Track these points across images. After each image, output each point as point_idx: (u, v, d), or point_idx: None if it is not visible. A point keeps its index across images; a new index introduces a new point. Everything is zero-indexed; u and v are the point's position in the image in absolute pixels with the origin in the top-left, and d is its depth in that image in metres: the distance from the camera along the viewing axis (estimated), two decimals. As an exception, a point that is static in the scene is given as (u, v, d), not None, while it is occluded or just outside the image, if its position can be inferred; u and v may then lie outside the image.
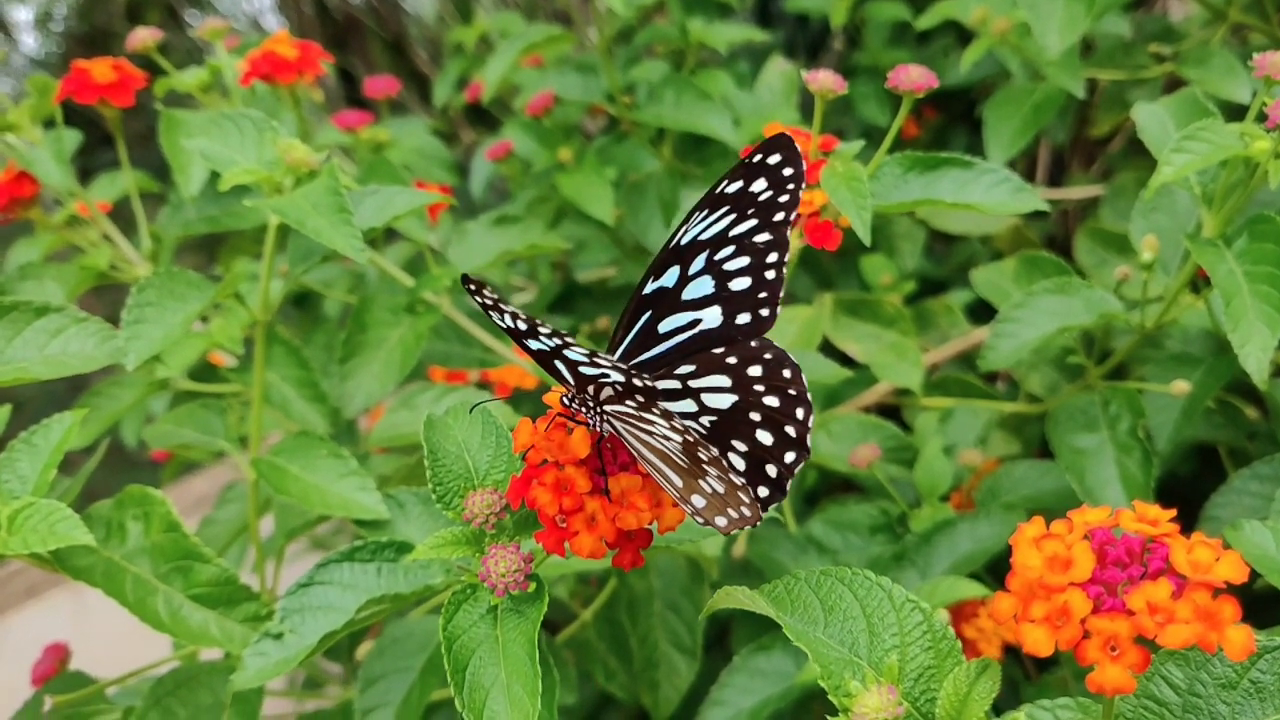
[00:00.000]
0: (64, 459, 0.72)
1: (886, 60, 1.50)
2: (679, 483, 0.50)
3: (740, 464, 0.53)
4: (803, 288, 1.42)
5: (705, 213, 0.56)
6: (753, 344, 0.55)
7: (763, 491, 0.53)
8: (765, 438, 0.53)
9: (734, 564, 1.05)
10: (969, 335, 1.19)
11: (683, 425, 0.48)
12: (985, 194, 0.78)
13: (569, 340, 0.49)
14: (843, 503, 1.08)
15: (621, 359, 0.57)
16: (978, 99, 1.57)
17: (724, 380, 0.54)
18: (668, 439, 0.49)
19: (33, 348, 0.75)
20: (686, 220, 0.56)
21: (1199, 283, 0.88)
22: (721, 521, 0.50)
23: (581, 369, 0.51)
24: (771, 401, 0.53)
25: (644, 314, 0.57)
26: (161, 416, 1.01)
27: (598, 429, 0.53)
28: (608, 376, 0.50)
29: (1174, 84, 1.20)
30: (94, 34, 3.36)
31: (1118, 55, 1.26)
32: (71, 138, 1.04)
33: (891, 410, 1.20)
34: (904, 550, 0.91)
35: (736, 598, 0.53)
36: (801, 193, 0.55)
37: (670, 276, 0.56)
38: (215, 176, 0.89)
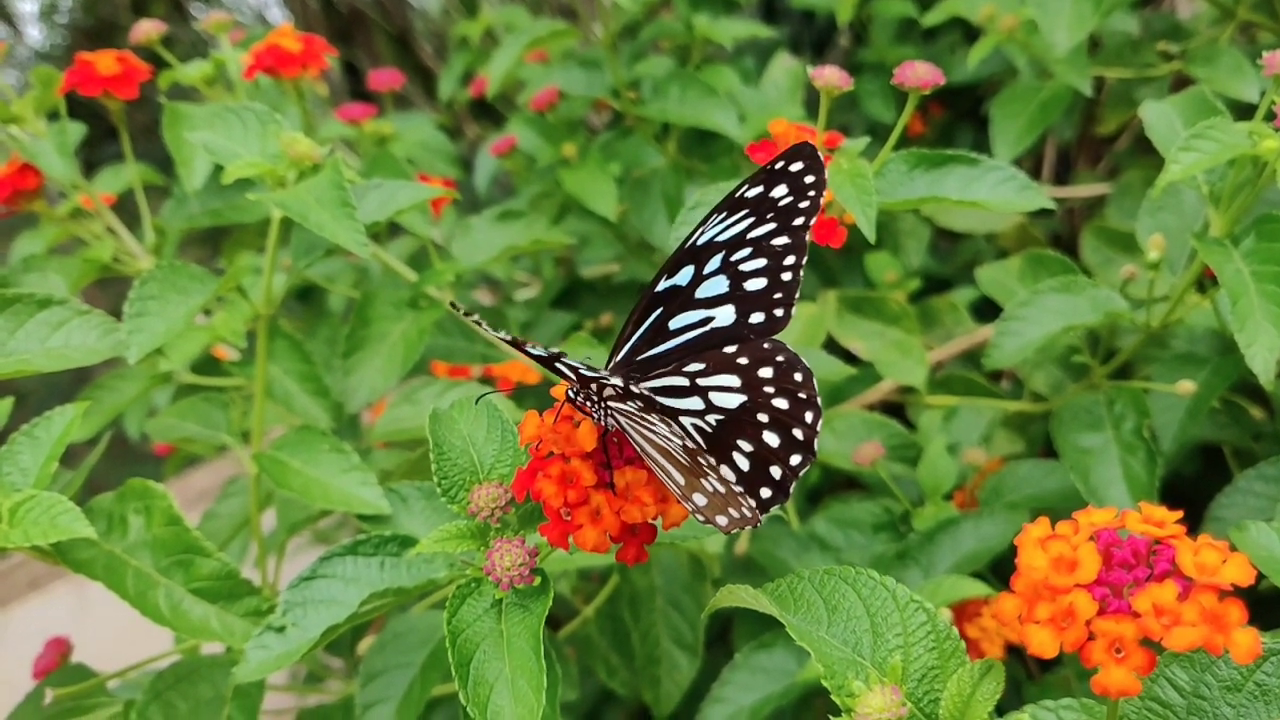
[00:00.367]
0: (66, 452, 0.72)
1: (892, 57, 1.49)
2: (681, 480, 0.50)
3: (744, 464, 0.53)
4: (807, 285, 1.42)
5: (723, 215, 0.56)
6: (765, 345, 0.55)
7: (765, 492, 0.53)
8: (772, 439, 0.53)
9: (736, 561, 1.05)
10: (973, 333, 1.19)
11: (682, 435, 0.48)
12: (991, 191, 0.77)
13: (560, 355, 0.50)
14: (846, 500, 1.07)
15: (629, 353, 0.58)
16: (984, 96, 1.57)
17: (733, 380, 0.55)
18: (669, 439, 0.49)
19: (35, 340, 0.75)
20: (704, 222, 0.57)
21: (1205, 282, 0.88)
22: (722, 520, 0.50)
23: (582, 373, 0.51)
24: (781, 404, 0.53)
25: (655, 310, 0.57)
26: (164, 410, 1.01)
27: (603, 423, 0.53)
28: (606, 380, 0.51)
29: (1181, 82, 1.19)
30: (99, 26, 3.36)
31: (1125, 53, 1.26)
32: (75, 130, 1.04)
33: (895, 408, 1.20)
34: (907, 549, 0.91)
35: (740, 596, 0.53)
36: (822, 201, 0.55)
37: (684, 275, 0.57)
38: (219, 170, 0.89)
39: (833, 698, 0.46)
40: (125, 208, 1.11)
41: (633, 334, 0.58)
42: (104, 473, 0.92)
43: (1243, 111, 0.85)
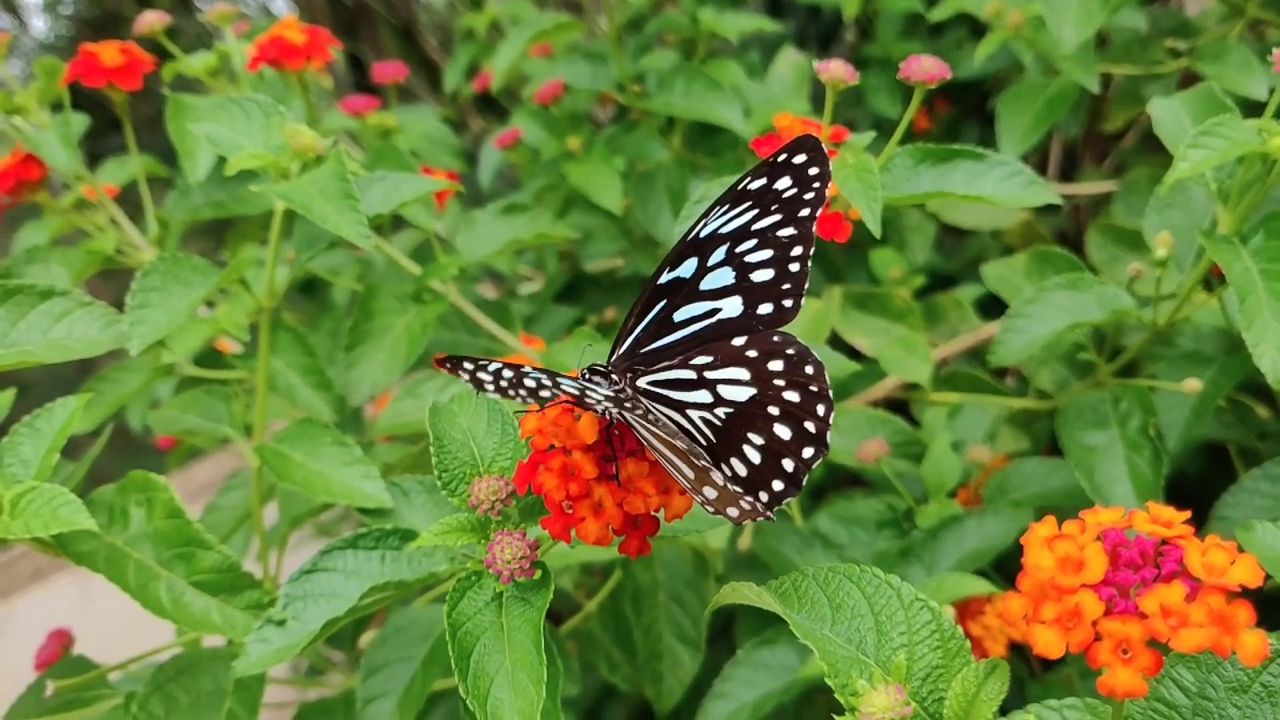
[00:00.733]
0: (69, 443, 0.72)
1: (898, 52, 1.49)
2: (691, 474, 0.50)
3: (755, 457, 0.53)
4: (812, 281, 1.40)
5: (726, 208, 0.56)
6: (774, 338, 0.55)
7: (777, 485, 0.53)
8: (784, 432, 0.53)
9: (739, 557, 1.05)
10: (978, 330, 1.18)
11: (686, 444, 0.48)
12: (998, 186, 0.77)
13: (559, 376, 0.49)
14: (849, 497, 1.07)
15: (632, 346, 0.57)
16: (990, 92, 1.56)
17: (743, 373, 0.54)
18: (676, 436, 0.49)
19: (37, 331, 0.74)
20: (706, 215, 0.57)
21: (1213, 280, 0.88)
22: (733, 512, 0.50)
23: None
24: (792, 397, 0.53)
25: (658, 303, 0.57)
26: (167, 402, 1.01)
27: (606, 415, 0.53)
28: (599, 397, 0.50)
29: (1189, 79, 1.19)
30: (103, 17, 3.36)
31: (1133, 50, 1.25)
32: (79, 121, 1.03)
33: (900, 405, 1.20)
34: (911, 546, 0.91)
35: (743, 594, 0.52)
36: (828, 191, 0.54)
37: (687, 268, 0.57)
38: (222, 161, 0.88)
39: (836, 696, 0.46)
40: (129, 199, 1.11)
41: (635, 327, 0.58)
42: (107, 465, 0.92)
43: (1251, 109, 0.84)
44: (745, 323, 0.56)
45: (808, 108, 1.33)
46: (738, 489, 0.50)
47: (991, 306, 1.21)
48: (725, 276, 0.56)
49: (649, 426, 0.50)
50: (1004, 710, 0.46)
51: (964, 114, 1.63)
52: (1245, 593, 0.39)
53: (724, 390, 0.54)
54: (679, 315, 0.57)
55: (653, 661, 0.99)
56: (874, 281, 1.32)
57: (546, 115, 1.34)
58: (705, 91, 1.20)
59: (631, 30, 1.42)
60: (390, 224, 1.19)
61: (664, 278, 0.57)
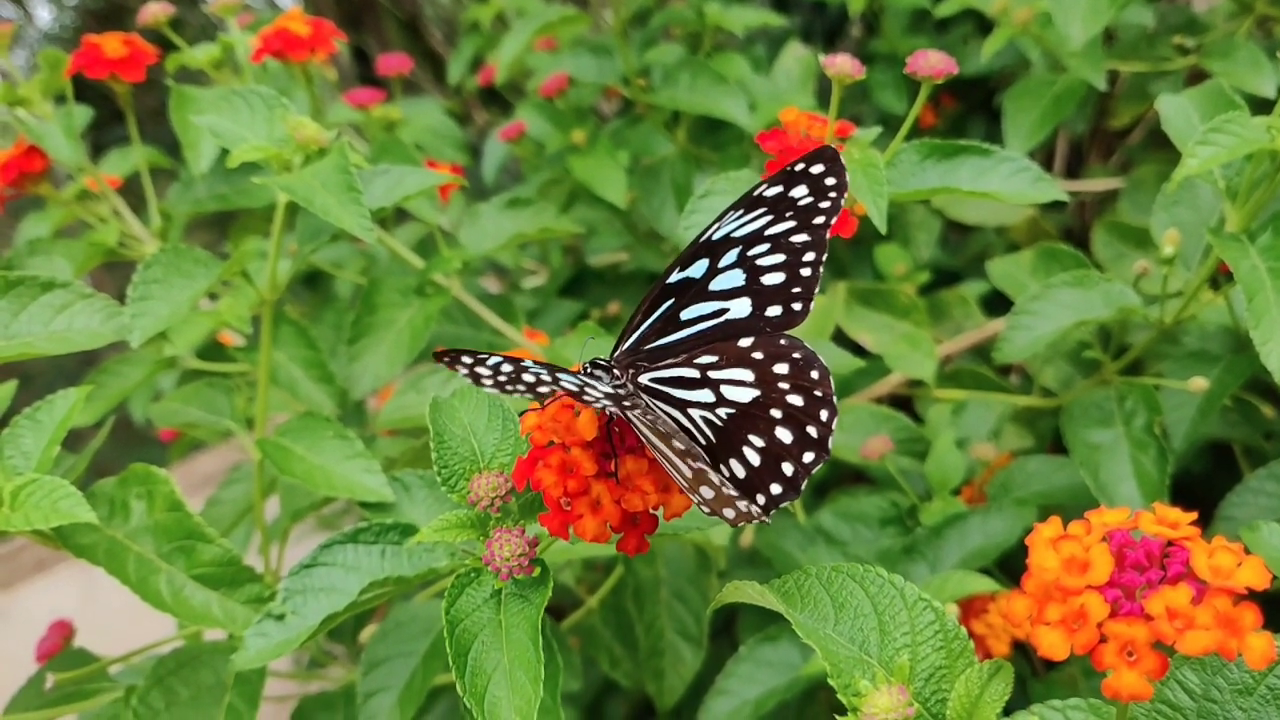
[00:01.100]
0: (71, 435, 0.72)
1: (905, 47, 1.48)
2: (688, 473, 0.50)
3: (755, 459, 0.53)
4: (816, 278, 1.41)
5: (740, 213, 0.56)
6: (781, 341, 0.55)
7: (776, 488, 0.53)
8: (785, 435, 0.53)
9: (741, 553, 1.05)
10: (983, 327, 1.18)
11: (685, 443, 0.48)
12: (1004, 183, 0.77)
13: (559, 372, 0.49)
14: (853, 494, 1.07)
15: (637, 341, 0.57)
16: (996, 88, 1.56)
17: (747, 374, 0.54)
18: (674, 435, 0.49)
19: (38, 323, 0.74)
20: (719, 219, 0.57)
21: (1220, 278, 0.87)
22: (729, 514, 0.50)
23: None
24: (795, 400, 0.53)
25: (666, 301, 0.57)
26: (168, 395, 1.01)
27: (605, 412, 0.53)
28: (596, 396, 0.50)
29: (1197, 76, 1.18)
30: (108, 8, 3.36)
31: (1140, 46, 1.25)
32: (82, 113, 1.03)
33: (904, 401, 1.19)
34: (914, 543, 0.90)
35: (746, 593, 0.52)
36: (843, 201, 0.55)
37: (698, 268, 0.57)
38: (225, 154, 0.88)
39: (839, 697, 0.45)
40: (132, 191, 1.11)
41: (641, 323, 0.58)
42: (110, 456, 0.91)
43: (1260, 106, 0.84)
44: (753, 324, 0.56)
45: (813, 103, 1.32)
46: (733, 492, 0.49)
47: (996, 303, 1.21)
48: (735, 278, 0.56)
49: (648, 424, 0.50)
50: (1008, 711, 0.46)
51: (970, 110, 1.63)
52: (1251, 594, 0.39)
53: (727, 390, 0.54)
54: (686, 314, 0.57)
55: (654, 658, 0.98)
56: (879, 277, 1.32)
57: (551, 109, 1.34)
58: (711, 86, 1.19)
59: (637, 24, 1.42)
60: (394, 217, 1.18)
61: (673, 277, 0.57)
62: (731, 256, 0.56)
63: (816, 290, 0.56)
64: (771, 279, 0.56)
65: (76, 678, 0.81)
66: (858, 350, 0.99)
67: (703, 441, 0.54)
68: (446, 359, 0.48)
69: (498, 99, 2.07)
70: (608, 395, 0.49)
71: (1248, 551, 0.39)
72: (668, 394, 0.56)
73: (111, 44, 0.97)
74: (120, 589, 0.72)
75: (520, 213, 1.07)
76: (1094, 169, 1.52)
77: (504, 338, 1.11)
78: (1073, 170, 1.58)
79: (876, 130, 0.77)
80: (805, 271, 0.55)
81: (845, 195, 0.55)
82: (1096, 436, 0.89)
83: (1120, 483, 0.86)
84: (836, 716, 0.45)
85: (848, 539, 0.97)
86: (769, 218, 0.56)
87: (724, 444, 0.54)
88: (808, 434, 0.52)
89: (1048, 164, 1.58)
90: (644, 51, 1.31)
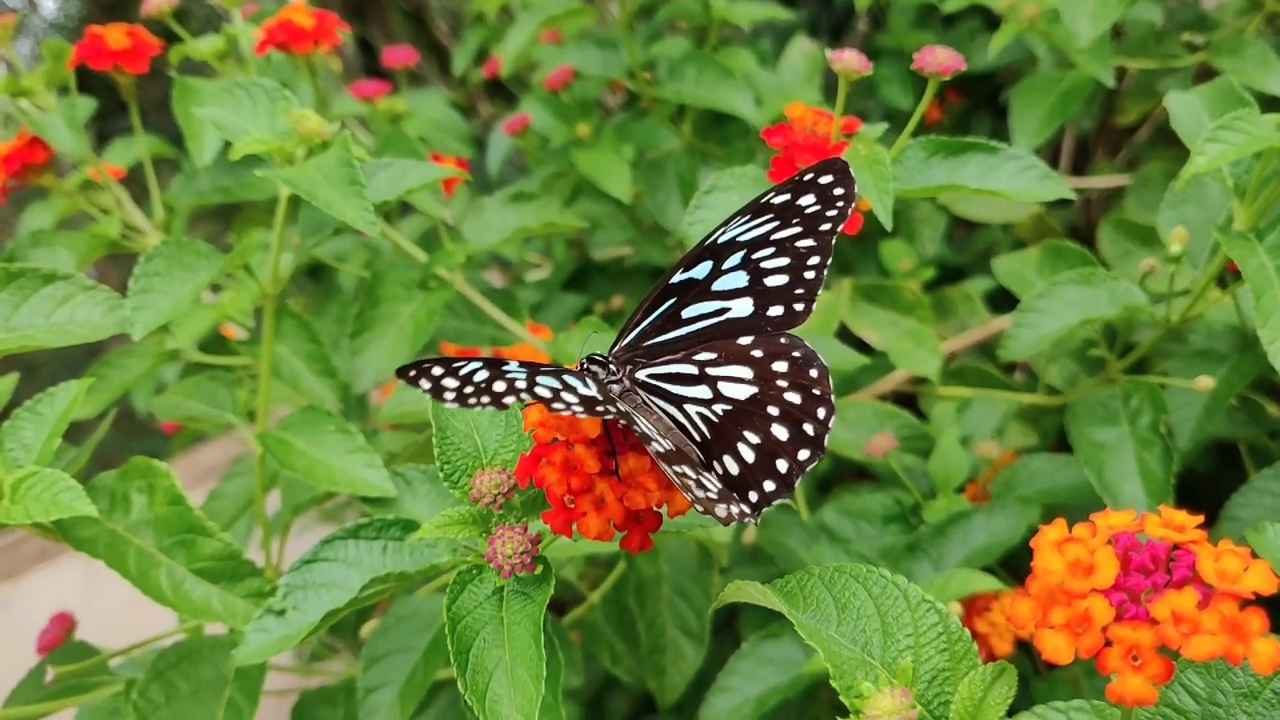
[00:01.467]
0: (75, 428, 0.72)
1: (911, 43, 1.47)
2: (673, 476, 0.49)
3: (750, 456, 0.53)
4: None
5: (747, 218, 0.56)
6: (781, 339, 0.55)
7: (769, 486, 0.52)
8: (781, 433, 0.52)
9: (744, 550, 1.04)
10: (988, 324, 1.17)
11: (676, 441, 0.47)
12: (1011, 180, 0.76)
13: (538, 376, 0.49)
14: (856, 491, 1.06)
15: (637, 338, 0.58)
16: (1003, 85, 1.55)
17: (745, 371, 0.54)
18: (667, 434, 0.49)
19: (39, 315, 0.74)
20: (725, 224, 0.57)
21: (1227, 277, 0.87)
22: (721, 512, 0.50)
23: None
24: (793, 398, 0.53)
25: (668, 299, 0.57)
26: (171, 387, 1.01)
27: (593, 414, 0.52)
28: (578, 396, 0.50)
29: (1205, 74, 1.17)
30: (114, -1, 3.35)
31: (1148, 43, 1.24)
32: (85, 104, 1.03)
33: (908, 399, 1.19)
34: (917, 541, 0.90)
35: (748, 592, 0.52)
36: (851, 210, 0.55)
37: (702, 269, 0.57)
38: (228, 146, 0.88)
39: (841, 698, 0.45)
40: (135, 182, 1.11)
41: (642, 320, 0.58)
42: (112, 448, 0.91)
43: (1269, 104, 0.83)
44: (754, 323, 0.56)
45: (819, 97, 1.32)
46: (714, 495, 0.49)
47: (1001, 300, 1.20)
48: (739, 279, 0.56)
49: (620, 430, 0.50)
50: (1011, 711, 0.46)
51: (976, 106, 1.62)
52: (1257, 598, 0.38)
53: (724, 387, 0.54)
54: (687, 312, 0.57)
55: (656, 654, 0.98)
56: (883, 274, 1.31)
57: (556, 101, 1.33)
58: (716, 79, 1.19)
59: (643, 17, 1.41)
60: (398, 210, 1.18)
61: (677, 277, 0.57)
62: (736, 259, 0.56)
63: (819, 292, 0.56)
64: (775, 281, 0.56)
65: (77, 671, 0.81)
66: (862, 347, 0.99)
67: (697, 438, 0.54)
68: (412, 373, 0.47)
69: (503, 91, 2.07)
70: (582, 400, 0.49)
71: (1254, 555, 0.39)
72: (664, 390, 0.56)
73: (115, 35, 0.96)
74: (123, 582, 0.72)
75: (524, 206, 1.06)
76: (1101, 166, 1.52)
77: (507, 332, 1.10)
78: (1079, 167, 1.58)
79: (883, 126, 0.76)
80: (809, 274, 0.55)
81: (853, 205, 0.55)
82: (1101, 435, 0.89)
83: (1125, 481, 0.86)
84: (839, 718, 0.45)
85: (851, 536, 0.97)
86: (775, 223, 0.56)
87: (719, 441, 0.54)
88: (804, 432, 0.52)
89: (1054, 160, 1.57)
90: (649, 45, 1.31)
